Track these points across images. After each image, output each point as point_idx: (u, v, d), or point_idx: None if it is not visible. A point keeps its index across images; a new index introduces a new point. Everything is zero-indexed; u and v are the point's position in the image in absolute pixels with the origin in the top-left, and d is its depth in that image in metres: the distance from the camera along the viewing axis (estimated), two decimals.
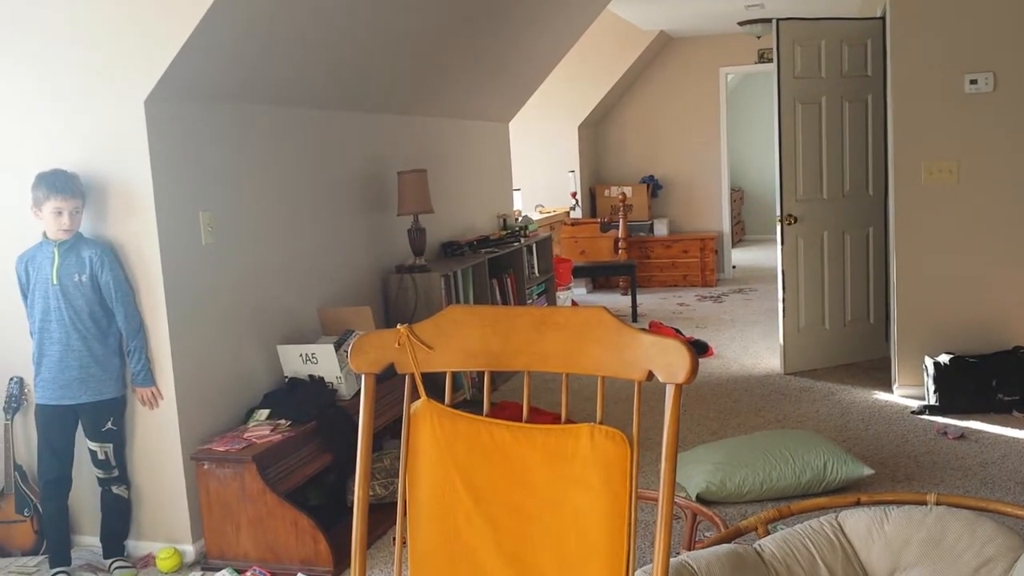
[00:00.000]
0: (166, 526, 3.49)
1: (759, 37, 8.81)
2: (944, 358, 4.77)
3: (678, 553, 2.24)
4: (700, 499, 3.60)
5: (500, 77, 6.07)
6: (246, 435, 3.46)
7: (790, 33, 5.46)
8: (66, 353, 3.27)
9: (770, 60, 5.52)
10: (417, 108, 5.32)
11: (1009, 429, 4.40)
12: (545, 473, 1.59)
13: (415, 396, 1.68)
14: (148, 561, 3.44)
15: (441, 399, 1.68)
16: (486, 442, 1.64)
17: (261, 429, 3.51)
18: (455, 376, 1.70)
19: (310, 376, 3.80)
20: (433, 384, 1.69)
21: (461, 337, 1.66)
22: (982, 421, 4.53)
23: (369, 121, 4.82)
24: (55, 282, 3.25)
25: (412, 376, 1.66)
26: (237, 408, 3.69)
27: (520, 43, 5.91)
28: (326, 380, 3.78)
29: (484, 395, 1.71)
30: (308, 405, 3.63)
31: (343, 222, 4.58)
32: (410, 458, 1.68)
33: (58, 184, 3.20)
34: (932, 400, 4.75)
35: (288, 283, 4.09)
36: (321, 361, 3.77)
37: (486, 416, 1.67)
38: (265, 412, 3.63)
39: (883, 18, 5.31)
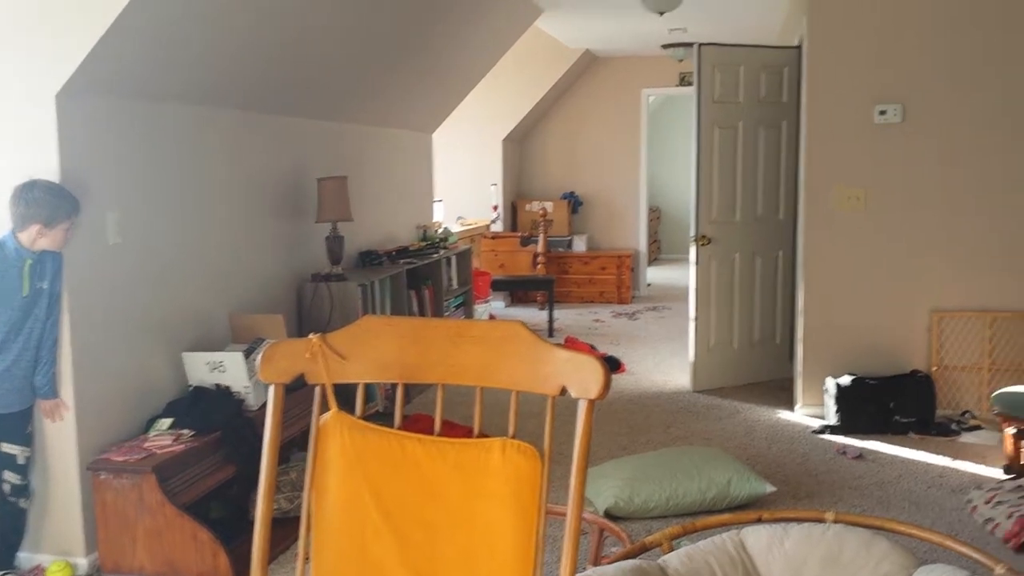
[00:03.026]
0: (58, 538, 3.35)
1: (681, 60, 9.03)
2: (845, 380, 4.95)
3: (585, 568, 2.27)
4: (608, 514, 3.64)
5: (425, 87, 6.06)
6: (146, 445, 3.36)
7: (711, 58, 5.61)
8: (16, 363, 3.16)
9: (691, 83, 5.64)
10: (339, 114, 5.27)
11: (905, 450, 4.58)
12: (456, 487, 1.58)
13: (325, 408, 1.66)
14: (37, 574, 3.29)
15: (352, 411, 1.66)
16: (397, 456, 1.63)
17: (162, 439, 3.41)
18: (368, 388, 1.69)
19: (216, 385, 3.71)
20: (345, 396, 1.67)
21: (375, 348, 1.65)
22: (880, 442, 4.71)
23: (289, 125, 4.76)
24: (26, 293, 3.11)
25: (323, 387, 1.64)
26: (138, 417, 3.57)
27: (446, 54, 5.92)
28: (233, 390, 3.70)
29: (396, 407, 1.70)
30: (213, 415, 3.54)
31: (259, 227, 4.49)
32: (317, 471, 1.65)
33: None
34: (833, 420, 4.92)
35: (198, 288, 3.99)
36: (229, 370, 3.69)
37: (398, 429, 1.66)
38: (167, 421, 3.52)
39: (800, 47, 5.50)
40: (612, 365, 6.45)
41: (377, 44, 4.93)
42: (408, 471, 1.62)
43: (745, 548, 2.26)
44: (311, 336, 1.63)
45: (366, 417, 1.68)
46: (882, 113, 5.04)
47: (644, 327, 8.15)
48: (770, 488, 3.82)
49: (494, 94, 8.68)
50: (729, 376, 5.90)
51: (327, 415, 1.66)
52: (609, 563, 2.14)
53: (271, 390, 1.64)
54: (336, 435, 1.65)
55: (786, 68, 5.81)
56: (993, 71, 4.91)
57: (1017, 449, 4.11)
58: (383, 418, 3.34)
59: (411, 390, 5.35)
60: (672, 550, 2.26)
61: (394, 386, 1.67)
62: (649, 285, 10.37)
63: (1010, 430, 4.11)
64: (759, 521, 2.38)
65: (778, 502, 3.81)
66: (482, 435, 1.60)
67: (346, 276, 4.87)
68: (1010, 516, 3.42)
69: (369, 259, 5.42)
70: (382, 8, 4.65)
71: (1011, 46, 4.88)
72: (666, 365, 6.55)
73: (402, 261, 5.54)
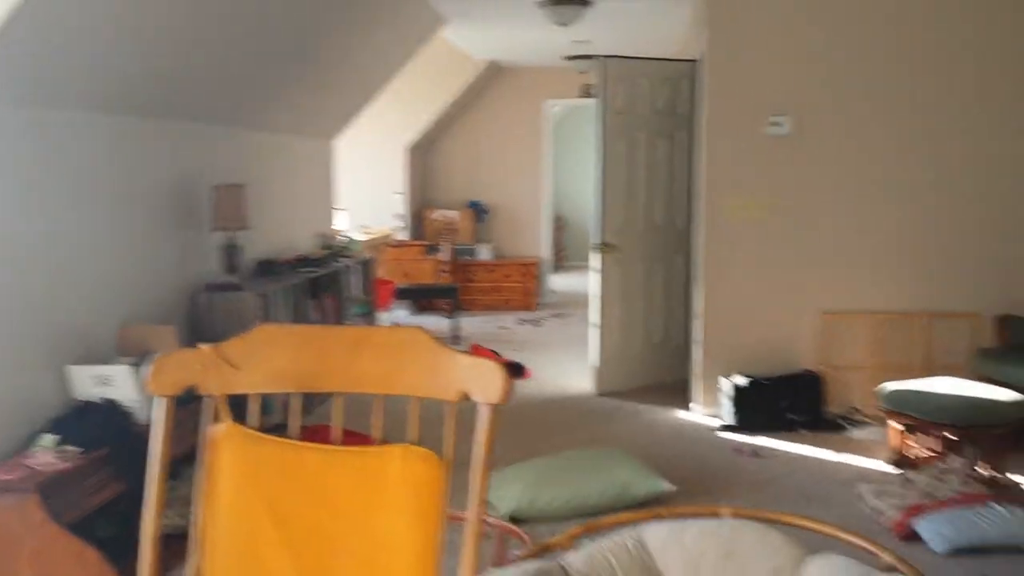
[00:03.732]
0: None
1: (584, 72, 9.16)
2: (741, 380, 5.10)
3: (487, 572, 2.26)
4: (512, 518, 3.65)
5: (325, 93, 5.98)
6: (28, 462, 3.20)
7: (613, 70, 5.71)
8: None
9: (593, 95, 5.74)
10: (236, 120, 5.14)
11: (797, 446, 4.75)
12: (356, 497, 1.56)
13: (218, 419, 1.61)
14: None
15: (249, 422, 1.62)
16: (294, 467, 1.59)
17: (46, 456, 3.25)
18: (267, 399, 1.65)
19: (104, 400, 3.56)
20: (242, 407, 1.62)
21: (271, 357, 1.61)
22: (774, 439, 4.87)
23: (183, 131, 4.61)
24: None
25: (215, 398, 1.59)
26: (19, 433, 3.39)
27: (347, 61, 5.85)
28: (122, 404, 3.56)
29: (293, 418, 1.66)
30: (100, 430, 3.39)
31: (150, 236, 4.34)
32: (209, 485, 1.60)
33: None
34: (730, 420, 5.06)
35: (85, 299, 3.82)
36: (117, 383, 3.54)
37: (296, 440, 1.62)
38: (52, 438, 3.36)
39: (698, 61, 5.66)
40: (516, 371, 6.48)
41: (274, 49, 4.84)
42: (306, 482, 1.59)
43: (644, 545, 2.30)
44: (202, 346, 1.58)
45: (265, 429, 1.64)
46: (774, 125, 5.22)
47: (549, 333, 8.22)
48: (669, 486, 3.90)
49: (399, 103, 8.63)
50: (631, 379, 6.01)
51: (220, 427, 1.61)
52: (511, 564, 2.14)
53: (160, 403, 1.58)
54: (229, 448, 1.61)
55: (684, 80, 5.96)
56: (880, 85, 5.16)
57: (902, 443, 4.30)
58: (284, 429, 3.26)
59: (313, 400, 5.25)
60: (574, 550, 2.28)
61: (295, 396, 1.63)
62: (554, 292, 10.47)
63: (898, 425, 4.31)
64: (658, 518, 2.42)
65: (677, 500, 3.88)
66: (386, 444, 1.58)
67: (242, 286, 4.74)
68: (896, 507, 3.58)
69: (268, 269, 5.30)
70: (278, 14, 4.56)
71: (897, 61, 5.13)
72: (570, 370, 6.61)
73: (302, 270, 5.44)
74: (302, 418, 1.66)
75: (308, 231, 6.31)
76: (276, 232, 5.72)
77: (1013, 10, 5.03)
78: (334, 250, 6.28)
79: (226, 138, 5.08)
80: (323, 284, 5.72)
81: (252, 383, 1.61)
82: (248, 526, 1.58)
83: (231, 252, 4.70)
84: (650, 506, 3.79)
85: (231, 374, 1.59)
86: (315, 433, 4.25)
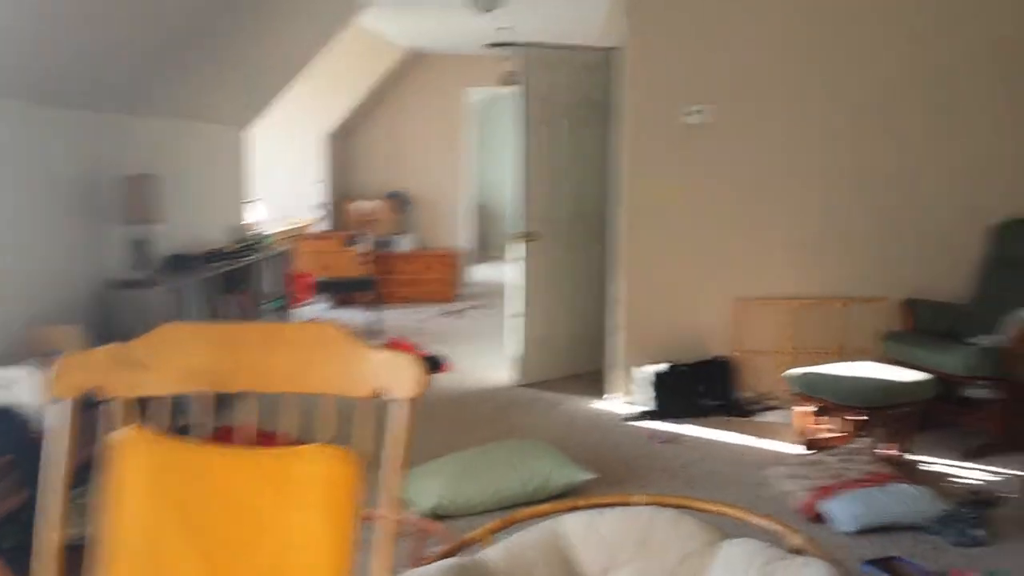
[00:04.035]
0: None
1: (505, 59, 9.15)
2: (658, 367, 5.20)
3: (406, 570, 2.27)
4: (433, 514, 3.66)
5: (238, 79, 5.84)
6: None
7: (534, 58, 5.72)
8: None
9: (515, 83, 5.74)
10: (142, 108, 4.98)
11: (711, 431, 4.87)
12: (269, 499, 1.54)
13: (124, 422, 1.58)
14: None
15: (157, 425, 1.59)
16: (204, 471, 1.56)
17: None
18: (180, 399, 1.62)
19: (5, 404, 3.43)
20: (150, 408, 1.59)
21: (180, 356, 1.58)
22: (689, 424, 4.98)
23: (85, 119, 4.45)
24: None
25: (121, 401, 1.55)
26: None
27: (261, 44, 5.72)
28: (23, 408, 3.43)
29: (203, 419, 1.63)
30: (2, 437, 3.26)
31: (53, 230, 4.18)
32: (114, 493, 1.56)
33: None
34: (646, 407, 5.16)
35: None
36: (18, 387, 3.41)
37: (207, 442, 1.60)
38: None
39: (619, 49, 5.71)
40: (436, 363, 6.46)
41: (184, 35, 4.70)
42: (216, 486, 1.56)
43: (563, 536, 2.33)
44: (107, 346, 1.54)
45: (178, 430, 1.61)
46: (692, 113, 5.32)
47: (470, 325, 8.23)
48: (588, 475, 3.95)
49: (317, 90, 8.48)
50: (552, 369, 6.06)
51: (125, 431, 1.57)
52: (430, 563, 2.15)
53: (62, 406, 1.54)
54: (135, 452, 1.57)
55: (605, 68, 6.00)
56: (796, 75, 5.30)
57: (812, 425, 4.46)
58: (197, 430, 3.18)
59: (228, 400, 5.15)
60: (494, 544, 2.30)
61: (206, 396, 1.60)
62: (476, 283, 10.46)
63: (810, 408, 4.45)
64: (575, 509, 2.46)
65: (596, 488, 3.94)
66: (300, 444, 1.57)
67: (154, 281, 4.62)
68: (806, 488, 3.71)
69: (179, 263, 5.17)
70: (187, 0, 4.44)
71: (814, 52, 5.28)
72: (491, 361, 6.63)
73: (215, 264, 5.32)
74: (218, 418, 1.63)
75: (221, 223, 6.17)
76: (188, 225, 5.57)
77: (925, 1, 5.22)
78: (249, 243, 6.15)
79: (132, 127, 4.92)
80: (237, 278, 5.60)
81: (160, 384, 1.58)
82: (155, 534, 1.55)
83: (141, 247, 4.57)
84: (571, 496, 3.83)
85: (138, 375, 1.56)
86: (229, 434, 4.17)
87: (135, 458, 1.55)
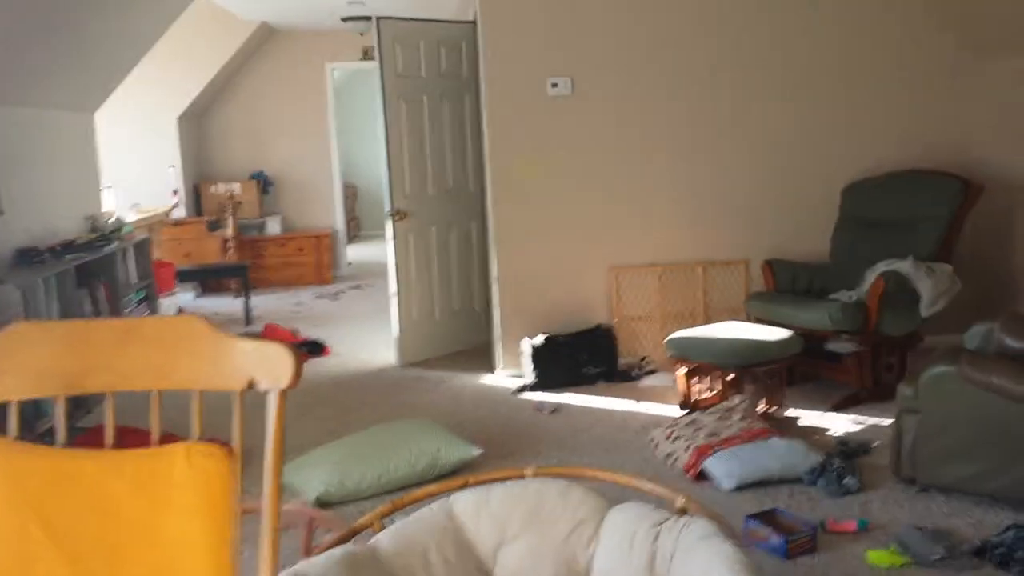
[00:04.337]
0: None
1: (362, 34, 8.99)
2: (539, 339, 5.25)
3: (296, 562, 2.21)
4: (320, 502, 3.59)
5: (82, 62, 5.49)
6: None
7: (390, 32, 5.62)
8: None
9: (373, 58, 5.63)
10: None
11: (595, 399, 4.96)
12: (138, 503, 1.47)
13: None
14: None
15: (13, 431, 1.48)
16: (67, 477, 1.47)
17: None
18: (38, 402, 1.51)
19: None
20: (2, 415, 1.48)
21: (30, 358, 1.48)
22: (573, 393, 5.06)
23: None
24: None
25: None
26: None
27: (104, 22, 5.39)
28: None
29: (59, 423, 1.53)
30: None
31: None
32: None
33: None
34: (531, 379, 5.21)
35: None
36: None
37: (66, 446, 1.50)
38: None
39: (475, 22, 5.68)
40: (315, 348, 6.35)
41: (17, 15, 4.37)
42: (82, 492, 1.47)
43: (454, 515, 2.32)
44: None
45: (40, 435, 1.50)
46: (555, 86, 5.36)
47: (347, 306, 8.10)
48: (477, 451, 3.96)
49: (166, 70, 8.10)
50: (434, 347, 6.03)
51: None
52: (320, 552, 2.10)
53: None
54: None
55: (464, 42, 5.97)
56: (654, 46, 5.40)
57: (689, 387, 4.60)
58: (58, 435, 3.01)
59: (90, 399, 4.89)
60: (384, 529, 2.27)
61: (66, 398, 1.50)
62: (350, 264, 10.31)
63: (682, 370, 4.60)
64: (465, 486, 2.46)
65: (485, 464, 3.96)
66: (167, 442, 1.49)
67: (0, 278, 4.31)
68: (687, 449, 3.83)
69: (28, 257, 4.85)
70: None
71: (671, 23, 5.38)
72: (372, 343, 6.55)
73: (69, 257, 5.01)
74: (85, 419, 1.54)
75: (73, 213, 5.81)
76: (35, 216, 5.23)
77: None
78: (104, 233, 5.83)
79: None
80: (94, 271, 5.31)
81: (10, 389, 1.48)
82: (19, 547, 1.45)
83: None
84: (462, 473, 3.83)
85: None
86: (95, 435, 3.96)
87: None
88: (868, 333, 4.54)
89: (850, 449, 3.89)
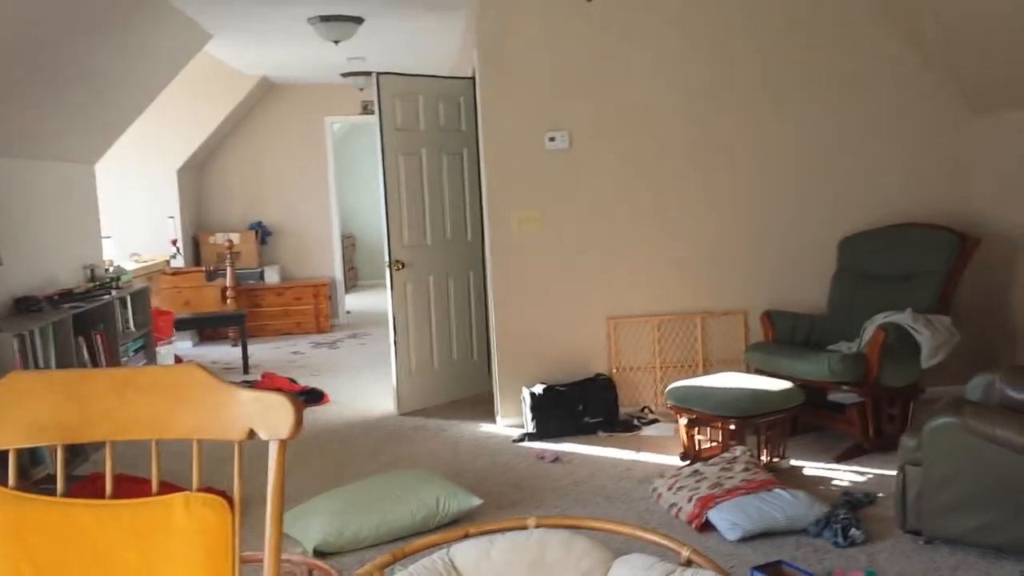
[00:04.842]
0: None
1: (362, 89, 9.10)
2: (538, 388, 5.22)
3: None
4: (318, 552, 3.53)
5: (83, 115, 5.54)
6: None
7: (389, 87, 5.68)
8: None
9: (373, 112, 5.69)
10: None
11: (595, 448, 4.91)
12: (135, 554, 1.44)
13: None
14: None
15: (11, 480, 1.45)
16: (63, 527, 1.45)
17: None
18: (35, 450, 1.48)
19: None
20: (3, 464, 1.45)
21: (27, 408, 1.46)
22: (573, 443, 5.01)
23: None
24: None
25: None
26: None
27: (105, 79, 5.45)
28: None
29: (58, 473, 1.50)
30: None
31: None
32: None
33: None
34: (530, 428, 5.16)
35: None
36: None
37: (63, 496, 1.47)
38: None
39: (473, 78, 5.74)
40: (314, 397, 6.30)
41: (21, 70, 4.42)
42: (79, 543, 1.44)
43: (455, 565, 2.28)
44: None
45: (37, 482, 1.48)
46: (552, 140, 5.40)
47: (346, 355, 8.06)
48: (477, 501, 3.91)
49: (166, 122, 8.20)
50: (432, 396, 5.99)
51: None
52: None
53: None
54: None
55: (462, 97, 6.04)
56: (648, 99, 5.45)
57: (690, 437, 4.56)
58: (55, 485, 2.97)
59: (87, 446, 4.83)
60: None
61: (64, 447, 1.47)
62: (348, 312, 10.29)
63: (683, 420, 4.55)
64: (466, 536, 2.41)
65: (486, 514, 3.90)
66: (172, 489, 1.47)
67: None
68: (690, 500, 3.77)
69: (26, 306, 4.83)
70: (24, 30, 4.17)
71: (670, 74, 5.44)
72: (370, 392, 6.51)
73: (67, 306, 4.99)
74: (78, 466, 1.51)
75: (72, 263, 5.81)
76: (34, 266, 5.22)
77: (784, 21, 5.46)
78: (102, 282, 5.82)
79: None
80: (92, 320, 5.28)
81: (7, 439, 1.46)
82: None
83: None
84: (461, 522, 3.78)
85: None
86: (93, 482, 3.90)
87: None
88: (869, 384, 4.51)
89: (855, 500, 3.84)
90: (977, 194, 5.53)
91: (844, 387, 4.54)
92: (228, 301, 8.68)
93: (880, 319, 4.73)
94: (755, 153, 5.53)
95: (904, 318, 4.63)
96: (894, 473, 3.81)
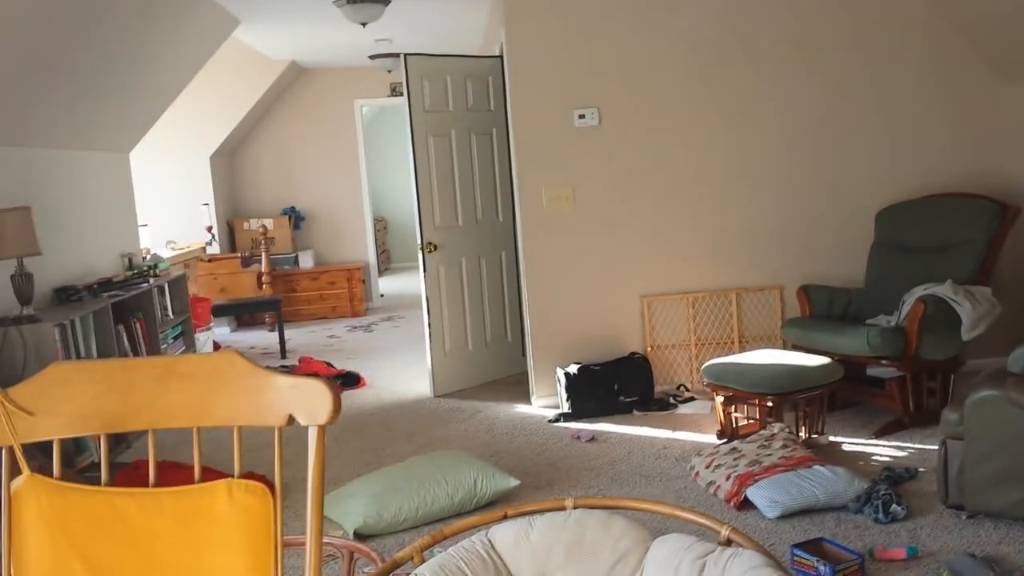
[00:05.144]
0: None
1: (390, 71, 9.09)
2: (573, 368, 5.21)
3: None
4: (358, 535, 3.56)
5: (116, 105, 5.60)
6: None
7: (417, 68, 5.67)
8: None
9: (401, 93, 5.68)
10: (16, 138, 4.72)
11: (632, 427, 4.90)
12: (179, 541, 1.46)
13: (17, 472, 1.47)
14: None
15: (56, 469, 1.48)
16: (107, 515, 1.47)
17: None
18: (81, 438, 1.51)
19: None
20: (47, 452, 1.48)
21: (70, 398, 1.48)
22: (609, 423, 5.00)
23: None
24: None
25: (11, 449, 1.44)
26: None
27: (136, 69, 5.50)
28: None
29: (103, 462, 1.53)
30: None
31: None
32: (15, 545, 1.45)
33: None
34: (566, 408, 5.16)
35: None
36: None
37: (107, 485, 1.50)
38: None
39: (501, 56, 5.71)
40: (351, 380, 6.35)
41: (54, 61, 4.47)
42: (123, 531, 1.47)
43: (494, 547, 2.29)
44: None
45: (81, 470, 1.51)
46: (581, 117, 5.36)
47: (380, 338, 8.11)
48: (515, 482, 3.92)
49: (197, 109, 8.26)
50: (467, 378, 6.01)
51: (19, 480, 1.46)
52: None
53: None
54: (33, 501, 1.46)
55: (490, 76, 6.01)
56: (681, 72, 5.39)
57: (728, 414, 4.53)
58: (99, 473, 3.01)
59: (129, 434, 4.91)
60: (424, 561, 2.24)
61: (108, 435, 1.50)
62: (382, 296, 10.35)
63: (719, 398, 4.53)
64: (505, 518, 2.42)
65: (523, 495, 3.92)
66: (216, 474, 1.49)
67: (39, 317, 4.37)
68: (728, 477, 3.75)
69: (67, 295, 4.91)
70: (55, 21, 4.21)
71: (697, 48, 5.37)
72: (405, 374, 6.55)
73: (106, 295, 5.07)
74: (121, 454, 1.54)
75: (110, 252, 5.90)
76: (73, 255, 5.30)
77: None
78: (140, 270, 5.90)
79: (7, 159, 4.65)
80: (131, 308, 5.36)
81: (50, 429, 1.48)
82: None
83: (22, 280, 4.32)
84: (499, 504, 3.80)
85: (26, 421, 1.45)
86: (136, 470, 3.96)
87: (33, 508, 1.45)
88: (908, 358, 4.44)
89: (896, 475, 3.79)
90: (1013, 163, 5.40)
91: (883, 361, 4.48)
92: (264, 287, 8.77)
93: (919, 291, 4.66)
94: (789, 124, 5.44)
95: (944, 290, 4.55)
96: (935, 447, 3.77)
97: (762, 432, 4.17)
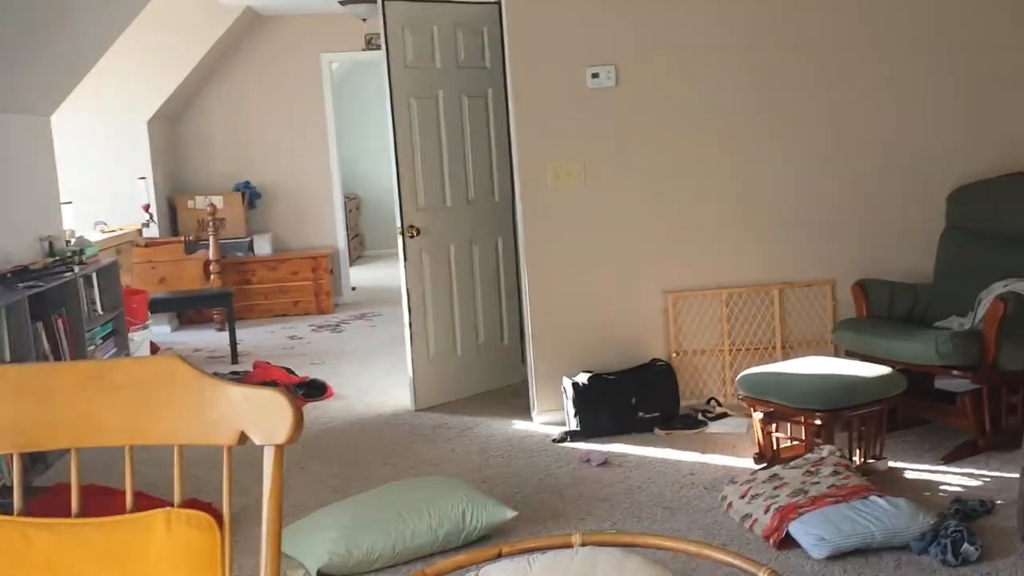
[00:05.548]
0: None
1: (365, 19, 9.07)
2: (582, 377, 5.22)
3: None
4: (323, 575, 3.57)
5: (35, 57, 5.58)
6: None
7: (398, 15, 5.66)
8: None
9: (378, 47, 5.67)
10: None
11: (652, 449, 4.91)
12: None
13: None
14: None
15: None
16: (19, 550, 1.48)
17: None
18: None
19: None
20: None
21: None
22: (625, 443, 5.01)
23: None
24: None
25: None
26: None
27: (60, 14, 5.48)
28: None
29: (15, 487, 1.52)
30: None
31: None
32: None
33: None
34: (573, 425, 5.17)
35: None
36: None
37: (21, 514, 1.49)
38: None
39: (499, 2, 5.69)
40: (316, 390, 6.36)
41: None
42: (36, 570, 1.46)
43: None
44: None
45: None
46: (595, 76, 5.35)
47: (352, 340, 8.12)
48: (511, 513, 3.93)
49: (132, 65, 8.23)
50: (456, 388, 6.02)
51: None
52: None
53: None
54: None
55: (486, 27, 6.00)
56: (720, 27, 5.38)
57: (767, 434, 4.53)
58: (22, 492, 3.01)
59: (48, 453, 4.91)
60: None
61: (22, 455, 1.49)
62: (354, 289, 10.36)
63: (758, 415, 4.53)
64: (499, 556, 2.42)
65: (521, 528, 3.92)
66: (152, 502, 1.49)
67: None
68: (767, 510, 3.76)
69: None
70: None
71: (741, 10, 5.36)
72: (382, 383, 6.56)
73: (21, 285, 5.08)
74: (38, 476, 1.54)
75: (26, 234, 5.89)
76: None
77: None
78: (63, 257, 5.90)
79: None
80: (52, 301, 5.36)
81: None
82: None
83: None
84: (493, 539, 3.81)
85: None
86: (56, 496, 3.95)
87: None
88: (985, 368, 4.45)
89: (968, 509, 3.80)
90: None
91: (955, 372, 4.49)
92: (212, 277, 8.77)
93: (999, 288, 4.66)
94: (842, 91, 5.44)
95: None
96: (1015, 476, 3.76)
97: (808, 456, 4.17)
